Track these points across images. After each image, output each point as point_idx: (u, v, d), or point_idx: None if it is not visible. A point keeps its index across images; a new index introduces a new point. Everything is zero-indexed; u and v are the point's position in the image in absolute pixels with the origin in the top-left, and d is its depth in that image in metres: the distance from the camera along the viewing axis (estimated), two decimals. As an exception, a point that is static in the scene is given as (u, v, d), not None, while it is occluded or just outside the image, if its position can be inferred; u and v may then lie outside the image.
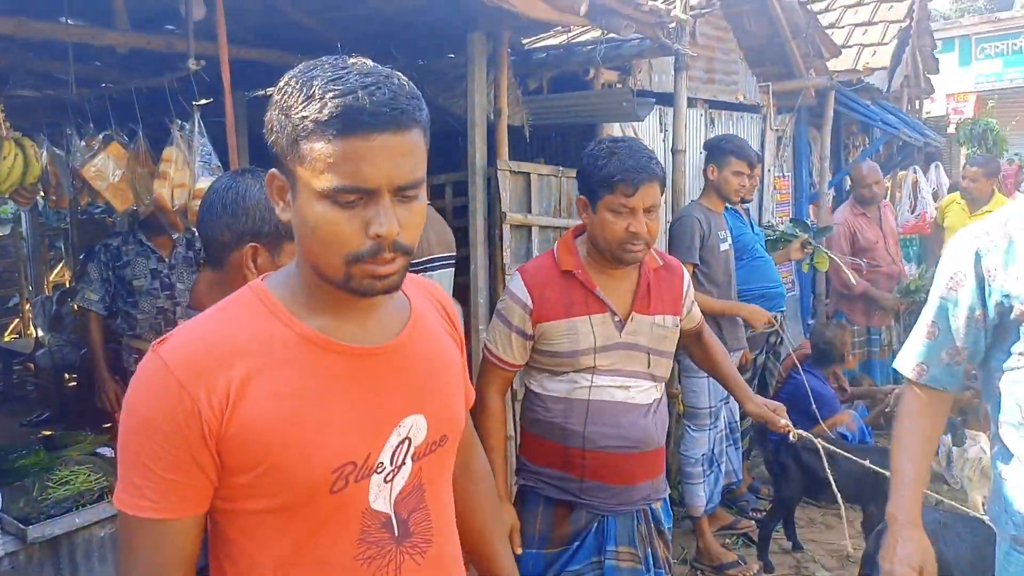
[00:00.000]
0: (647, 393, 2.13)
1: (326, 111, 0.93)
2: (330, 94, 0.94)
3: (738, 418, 4.09)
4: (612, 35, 4.13)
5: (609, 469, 2.09)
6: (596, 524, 2.14)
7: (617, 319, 2.09)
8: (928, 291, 4.54)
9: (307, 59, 3.34)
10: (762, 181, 5.88)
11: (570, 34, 4.75)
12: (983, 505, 3.57)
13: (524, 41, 4.39)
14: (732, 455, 3.94)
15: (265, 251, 1.53)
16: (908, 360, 1.78)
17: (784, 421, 2.23)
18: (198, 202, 2.86)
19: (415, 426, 1.11)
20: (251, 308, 1.05)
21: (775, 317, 3.88)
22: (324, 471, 1.01)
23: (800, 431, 2.28)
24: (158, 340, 1.03)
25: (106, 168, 3.15)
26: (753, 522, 4.06)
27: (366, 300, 1.05)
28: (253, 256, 1.52)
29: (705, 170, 3.70)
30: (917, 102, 8.77)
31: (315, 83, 0.95)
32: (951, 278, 1.67)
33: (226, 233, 1.54)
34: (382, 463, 1.07)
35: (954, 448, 3.52)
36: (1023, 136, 13.22)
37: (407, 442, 1.10)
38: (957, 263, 1.66)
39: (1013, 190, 7.02)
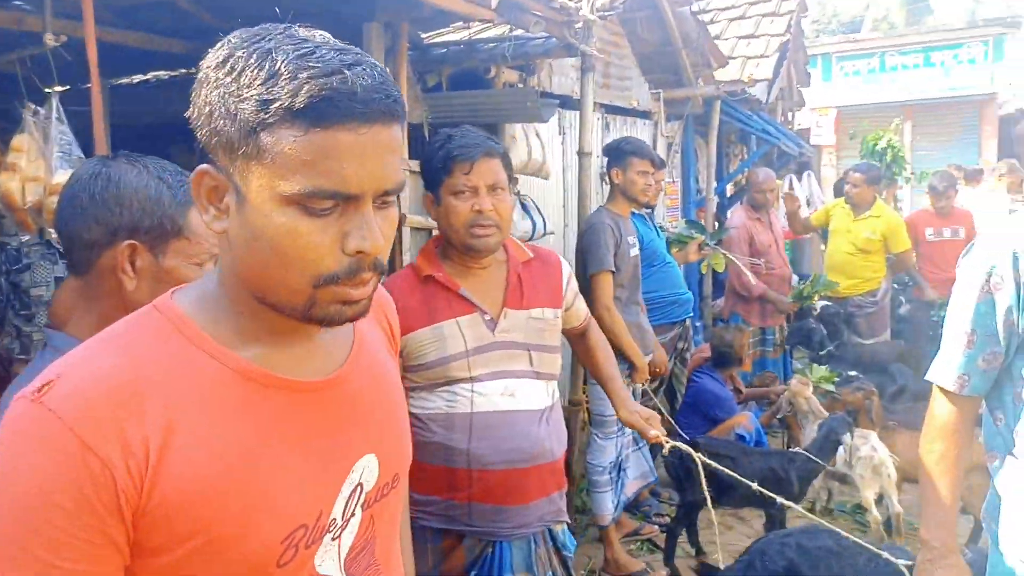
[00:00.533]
0: (536, 397, 1.97)
1: (303, 95, 0.73)
2: (305, 73, 0.74)
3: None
4: (517, 32, 4.02)
5: (499, 488, 1.91)
6: (490, 552, 1.97)
7: (488, 318, 1.96)
8: (814, 296, 4.56)
9: (182, 44, 2.96)
10: (654, 186, 5.96)
11: (471, 30, 4.60)
12: (876, 503, 3.70)
13: (423, 35, 4.19)
14: (644, 455, 3.90)
15: (146, 250, 1.24)
16: (947, 373, 1.65)
17: (654, 432, 2.05)
18: (55, 199, 2.51)
19: (367, 469, 0.92)
20: (162, 335, 0.82)
21: (682, 323, 3.88)
22: (272, 542, 0.80)
23: (674, 443, 2.11)
24: (36, 386, 0.76)
25: (-60, 157, 2.69)
26: (657, 527, 4.04)
27: (295, 325, 0.85)
28: (131, 257, 1.23)
29: (609, 174, 3.65)
30: (790, 113, 9.23)
31: (278, 57, 0.74)
32: (987, 281, 1.58)
33: (95, 229, 1.23)
34: (334, 519, 0.87)
35: (854, 451, 3.63)
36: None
37: (358, 489, 0.91)
38: (993, 265, 1.57)
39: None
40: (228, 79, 0.76)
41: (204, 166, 0.81)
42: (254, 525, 0.79)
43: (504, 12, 3.20)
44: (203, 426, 0.78)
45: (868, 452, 3.70)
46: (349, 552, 0.90)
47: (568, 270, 2.18)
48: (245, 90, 0.75)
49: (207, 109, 0.77)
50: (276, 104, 0.74)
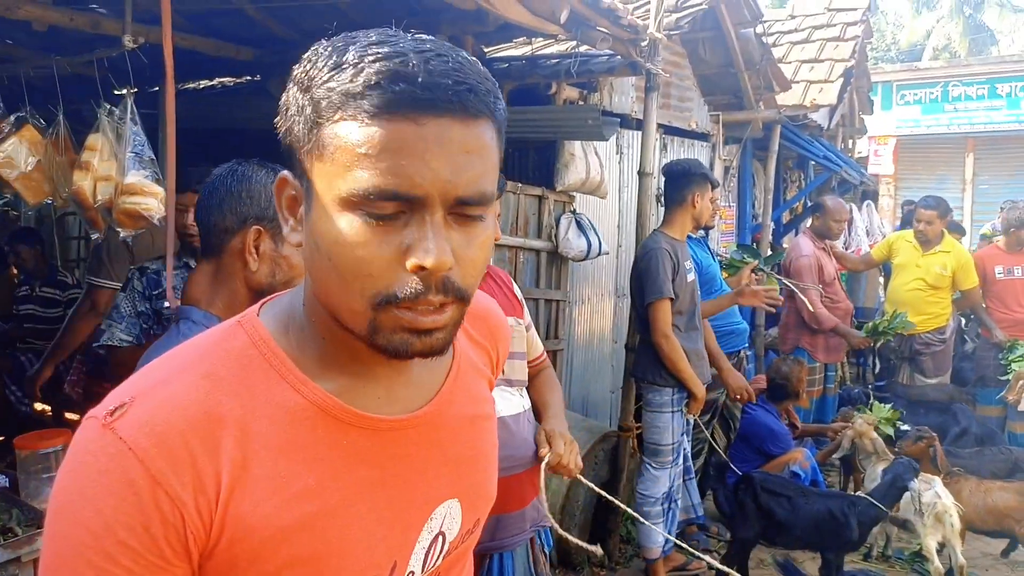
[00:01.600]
0: (511, 403, 2.04)
1: (361, 79, 0.65)
2: (370, 58, 0.65)
3: (691, 451, 3.95)
4: (581, 49, 3.98)
5: (501, 497, 1.87)
6: (487, 563, 2.02)
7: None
8: (891, 332, 4.39)
9: (249, 51, 2.98)
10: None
11: (532, 47, 4.58)
12: (938, 552, 3.52)
13: (486, 50, 4.18)
14: (691, 489, 3.78)
15: (268, 237, 1.46)
16: None
17: (558, 449, 1.98)
18: (127, 199, 2.53)
19: (449, 515, 0.84)
20: (244, 361, 0.74)
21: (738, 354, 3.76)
22: None
23: (584, 481, 2.12)
24: (109, 408, 0.69)
25: (17, 154, 2.73)
26: (705, 563, 3.90)
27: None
28: (256, 240, 1.45)
29: (689, 197, 3.50)
30: (851, 141, 9.02)
31: (351, 49, 0.67)
32: None
33: (228, 217, 1.47)
34: (412, 572, 0.80)
35: (921, 498, 3.46)
36: (938, 181, 13.88)
37: (440, 538, 0.83)
38: None
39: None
40: (301, 73, 0.70)
41: (284, 173, 0.74)
42: (326, 575, 0.73)
43: (572, 28, 3.16)
44: (277, 465, 0.71)
45: (931, 499, 3.52)
46: None
47: (515, 287, 2.26)
48: (312, 81, 0.68)
49: (284, 109, 0.72)
50: (336, 92, 0.66)
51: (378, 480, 0.76)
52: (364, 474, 0.75)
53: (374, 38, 0.68)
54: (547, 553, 2.20)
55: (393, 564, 0.77)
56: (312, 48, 0.71)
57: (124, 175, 2.38)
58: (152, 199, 2.33)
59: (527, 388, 2.30)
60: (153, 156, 2.47)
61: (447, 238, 0.68)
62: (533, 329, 2.31)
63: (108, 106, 2.60)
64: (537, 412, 2.24)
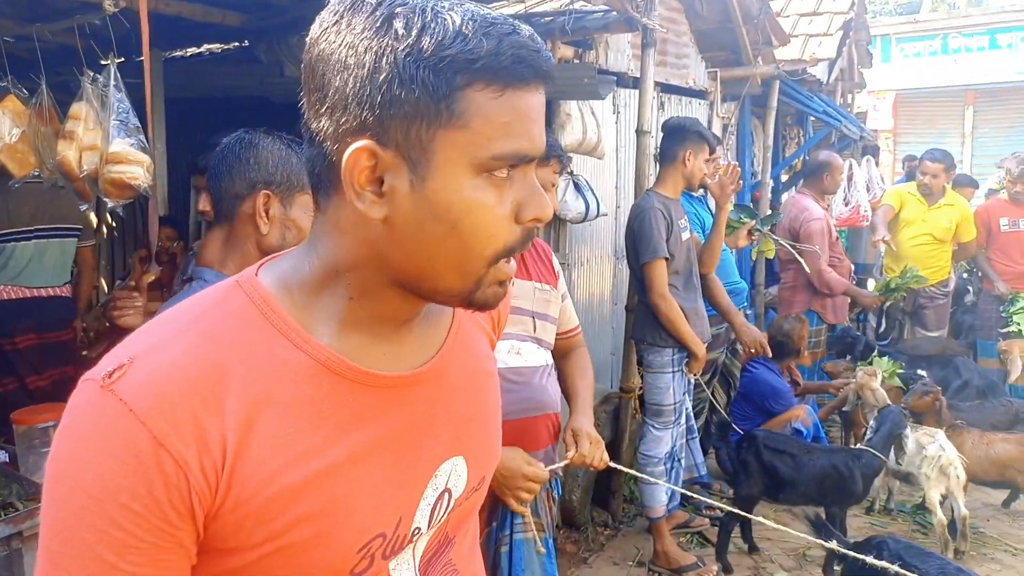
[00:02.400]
0: (537, 356, 2.15)
1: (504, 53, 0.68)
2: (494, 30, 0.69)
3: (692, 410, 3.95)
4: (576, 5, 3.89)
5: (513, 437, 2.00)
6: (501, 503, 2.13)
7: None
8: (903, 288, 4.35)
9: (237, 17, 2.93)
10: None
11: (527, 4, 4.48)
12: (940, 504, 3.54)
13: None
14: (693, 448, 3.78)
15: (277, 200, 1.54)
16: None
17: (583, 449, 2.08)
18: (112, 168, 2.48)
19: (454, 473, 0.84)
20: (245, 319, 0.74)
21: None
22: (347, 552, 0.74)
23: (612, 464, 2.19)
24: (107, 369, 0.68)
25: (1, 125, 2.67)
26: (707, 520, 3.93)
27: (412, 310, 0.80)
28: (265, 204, 1.53)
29: (681, 155, 3.45)
30: (850, 96, 8.91)
31: (452, 17, 0.68)
32: None
33: (238, 183, 1.54)
34: (417, 528, 0.80)
35: (918, 444, 3.48)
36: (938, 135, 13.75)
37: (446, 495, 0.83)
38: None
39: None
40: (402, 43, 0.67)
41: (363, 143, 0.70)
42: (329, 534, 0.73)
43: (566, -17, 3.08)
44: (283, 423, 0.71)
45: (936, 451, 3.53)
46: (423, 555, 0.84)
47: (556, 260, 2.34)
48: (434, 52, 0.67)
49: (378, 77, 0.68)
50: (478, 63, 0.68)
51: (384, 437, 0.77)
52: (370, 431, 0.76)
53: (453, 5, 0.70)
54: (555, 499, 2.33)
55: (399, 520, 0.78)
56: (376, 9, 0.69)
57: (109, 143, 2.32)
58: (138, 167, 2.28)
59: (559, 363, 2.38)
60: (138, 124, 2.41)
61: None
62: (569, 300, 2.38)
63: (92, 73, 2.54)
64: (567, 396, 2.31)
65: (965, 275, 5.91)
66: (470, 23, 0.68)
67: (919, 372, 4.26)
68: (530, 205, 0.74)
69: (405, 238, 0.72)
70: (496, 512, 2.15)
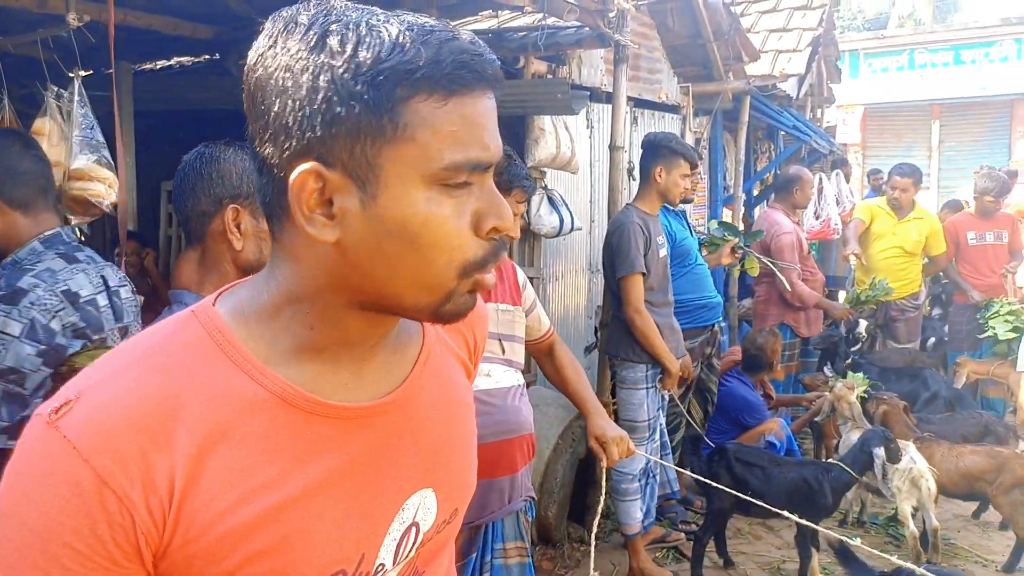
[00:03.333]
0: (508, 376, 2.16)
1: (444, 61, 0.66)
2: (432, 39, 0.66)
3: (668, 426, 3.95)
4: (548, 21, 3.91)
5: (489, 461, 2.05)
6: (481, 531, 2.14)
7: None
8: (872, 301, 4.37)
9: (207, 29, 2.90)
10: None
11: (499, 19, 4.49)
12: (911, 516, 3.57)
13: (452, 24, 4.08)
14: (666, 464, 3.79)
15: (247, 213, 1.47)
16: None
17: (613, 457, 2.15)
18: (76, 184, 2.43)
19: (422, 506, 0.81)
20: (200, 352, 0.71)
21: (713, 327, 3.77)
22: None
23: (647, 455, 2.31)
24: (53, 405, 0.66)
25: (-40, 141, 2.60)
26: (683, 535, 3.93)
27: (377, 333, 0.77)
28: (235, 219, 1.46)
29: (652, 171, 3.48)
30: (819, 110, 9.04)
31: (388, 28, 0.66)
32: None
33: (203, 201, 1.48)
34: (381, 564, 0.77)
35: (887, 464, 3.49)
36: (904, 150, 14.01)
37: (414, 529, 0.80)
38: None
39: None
40: (338, 60, 0.65)
41: (309, 165, 0.67)
42: (285, 571, 0.70)
43: (537, 0, 3.10)
44: (236, 457, 0.69)
45: (906, 464, 3.56)
46: None
47: (522, 275, 2.34)
48: (371, 65, 0.65)
49: (316, 98, 0.66)
50: (418, 73, 0.65)
51: (345, 470, 0.74)
52: (329, 463, 0.73)
53: (386, 16, 0.68)
54: (531, 521, 2.35)
55: (361, 556, 0.75)
56: (300, 34, 0.67)
57: (72, 159, 2.27)
58: (99, 184, 2.24)
59: (546, 368, 2.43)
60: (103, 139, 2.36)
61: None
62: (538, 307, 2.40)
63: (55, 88, 2.49)
64: (572, 400, 2.36)
65: (938, 290, 6.00)
66: (407, 33, 0.66)
67: (879, 386, 4.31)
68: (490, 215, 0.71)
69: (361, 259, 0.70)
70: (474, 542, 2.14)
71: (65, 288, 1.72)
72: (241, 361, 0.71)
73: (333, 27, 0.66)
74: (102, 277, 1.84)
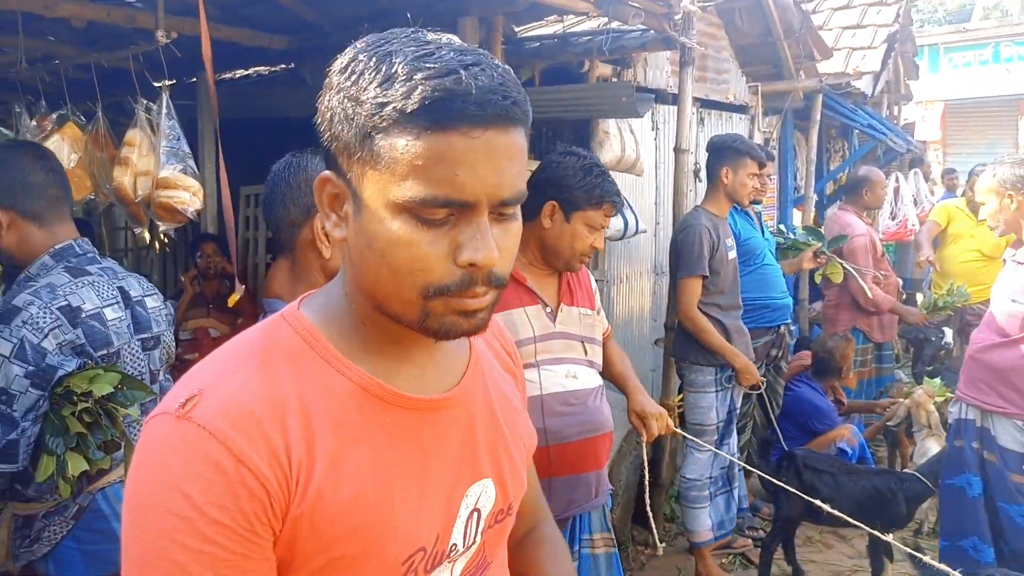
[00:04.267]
0: (592, 378, 2.21)
1: (416, 96, 0.70)
2: (420, 74, 0.70)
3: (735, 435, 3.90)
4: (613, 25, 3.91)
5: (576, 458, 2.13)
6: (572, 522, 2.19)
7: (548, 310, 2.18)
8: (949, 307, 4.19)
9: (283, 40, 3.00)
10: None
11: (564, 24, 4.52)
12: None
13: (516, 29, 4.13)
14: (741, 476, 3.74)
15: None
16: None
17: (652, 431, 2.28)
18: (161, 192, 2.56)
19: (484, 494, 0.89)
20: (294, 351, 0.80)
21: (779, 330, 3.72)
22: (393, 564, 0.78)
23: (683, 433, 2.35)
24: (179, 402, 0.74)
25: (60, 151, 2.78)
26: (750, 541, 3.88)
27: (412, 336, 0.82)
28: (323, 227, 1.41)
29: (719, 172, 3.45)
30: (896, 108, 8.75)
31: (396, 60, 0.72)
32: None
33: (292, 210, 1.51)
34: (454, 544, 0.85)
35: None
36: (987, 147, 13.40)
37: (476, 514, 0.88)
38: None
39: None
40: (348, 83, 0.74)
41: (325, 172, 0.79)
42: (378, 546, 0.77)
43: (602, 5, 3.11)
44: (333, 444, 0.76)
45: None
46: (462, 574, 0.88)
47: (591, 279, 2.41)
48: (362, 93, 0.73)
49: (328, 114, 0.76)
50: (389, 107, 0.71)
51: (419, 457, 0.82)
52: (408, 451, 0.81)
53: (414, 48, 0.73)
54: (611, 513, 2.45)
55: (437, 536, 0.82)
56: (350, 54, 0.76)
57: (159, 169, 2.41)
58: (184, 192, 2.36)
59: None
60: (188, 149, 2.50)
61: (492, 236, 0.75)
62: (603, 313, 2.47)
63: (145, 101, 2.64)
64: (614, 382, 2.46)
65: None
66: (405, 66, 0.71)
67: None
68: (466, 248, 0.74)
69: (357, 262, 0.79)
70: (564, 528, 2.19)
71: (64, 304, 1.68)
72: (329, 357, 0.80)
73: (362, 56, 0.74)
74: (119, 289, 1.81)
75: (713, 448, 3.22)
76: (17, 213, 1.74)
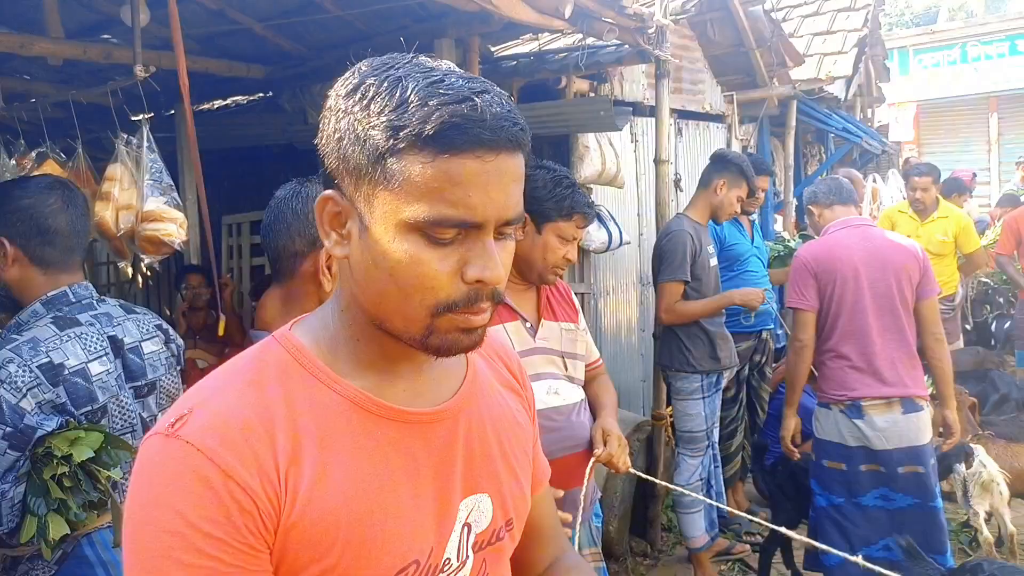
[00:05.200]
0: (573, 393, 2.19)
1: (433, 120, 0.72)
2: (435, 100, 0.73)
3: (717, 437, 3.91)
4: (588, 41, 3.97)
5: (561, 476, 2.03)
6: None
7: (528, 325, 2.16)
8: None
9: (260, 69, 2.99)
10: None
11: (540, 42, 4.57)
12: (986, 521, 3.46)
13: (493, 48, 4.18)
14: (717, 476, 3.75)
15: None
16: None
17: (612, 449, 2.14)
18: (147, 226, 2.57)
19: (477, 509, 0.89)
20: (283, 368, 0.82)
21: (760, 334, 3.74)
22: (387, 574, 0.79)
23: (635, 472, 2.28)
24: (169, 422, 0.76)
25: (40, 189, 2.78)
26: (748, 546, 3.88)
27: (409, 353, 0.83)
28: (328, 261, 1.44)
29: (715, 183, 3.49)
30: (869, 111, 8.89)
31: (408, 84, 0.74)
32: None
33: (298, 241, 1.47)
34: (448, 559, 0.85)
35: (968, 479, 3.41)
36: (961, 145, 13.62)
37: (467, 529, 0.88)
38: None
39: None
40: (358, 107, 0.76)
41: (329, 192, 0.81)
42: (371, 557, 0.78)
43: (577, 22, 3.15)
44: (322, 456, 0.78)
45: (976, 468, 3.47)
46: None
47: (573, 294, 2.37)
48: (375, 117, 0.75)
49: (336, 136, 0.78)
50: (406, 130, 0.73)
51: (411, 469, 0.83)
52: (399, 462, 0.82)
53: (422, 74, 0.75)
54: (598, 529, 2.40)
55: (431, 549, 0.83)
56: (355, 79, 0.78)
57: (143, 203, 2.41)
58: (171, 224, 2.36)
59: (584, 390, 2.43)
60: (171, 182, 2.50)
61: (498, 254, 0.78)
62: (587, 334, 2.43)
63: (125, 136, 2.64)
64: (593, 411, 2.37)
65: (991, 284, 5.81)
66: (419, 92, 0.73)
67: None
68: (474, 266, 0.76)
69: (360, 279, 0.80)
70: None
71: (45, 361, 1.60)
72: (318, 373, 0.82)
73: (370, 80, 0.76)
74: (111, 338, 1.73)
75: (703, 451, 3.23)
76: (25, 254, 1.69)
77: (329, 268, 1.45)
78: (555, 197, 2.11)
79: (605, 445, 2.14)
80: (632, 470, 2.23)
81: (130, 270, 4.17)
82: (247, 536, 0.72)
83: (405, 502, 0.81)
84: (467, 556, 0.88)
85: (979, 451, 3.54)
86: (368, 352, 0.83)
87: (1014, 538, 3.52)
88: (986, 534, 3.46)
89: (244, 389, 0.78)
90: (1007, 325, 6.09)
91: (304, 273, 1.48)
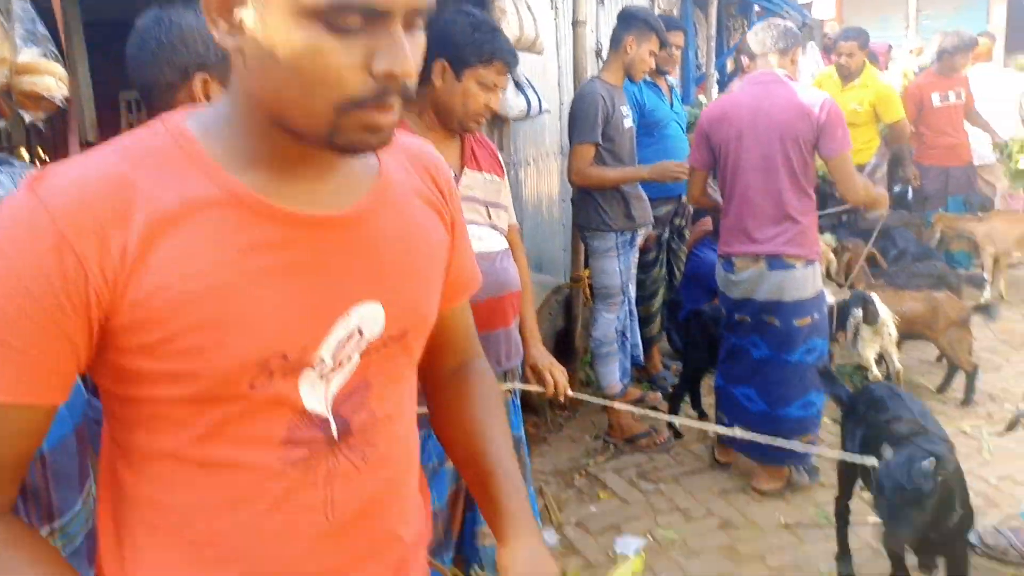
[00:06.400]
0: (495, 240, 2.20)
1: None
2: None
3: (634, 293, 4.06)
4: None
5: (484, 317, 2.06)
6: None
7: (451, 174, 2.08)
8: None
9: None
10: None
11: None
12: (876, 362, 3.76)
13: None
14: (633, 329, 3.93)
15: (216, 82, 1.36)
16: None
17: (549, 384, 2.25)
18: (24, 78, 2.40)
19: (368, 316, 0.88)
20: (162, 152, 0.79)
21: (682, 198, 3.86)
22: (243, 361, 0.79)
23: (577, 394, 2.37)
24: (34, 175, 0.75)
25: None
26: (660, 395, 4.13)
27: (328, 155, 0.82)
28: (204, 90, 1.36)
29: (624, 41, 3.47)
30: (791, -18, 8.84)
31: None
32: None
33: (168, 72, 1.37)
34: (321, 358, 0.85)
35: (863, 324, 3.67)
36: (882, 21, 13.74)
37: (357, 335, 0.88)
38: None
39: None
40: None
41: None
42: (227, 341, 0.78)
43: None
44: (185, 243, 0.77)
45: (871, 313, 3.72)
46: (339, 394, 0.88)
47: (499, 152, 2.35)
48: None
49: None
50: None
51: (286, 268, 0.81)
52: (270, 260, 0.80)
53: None
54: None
55: (303, 346, 0.83)
56: None
57: (17, 53, 2.25)
58: (50, 77, 2.22)
59: None
60: (46, 32, 2.34)
61: (407, 46, 0.74)
62: (509, 193, 2.42)
63: (-5, -19, 2.45)
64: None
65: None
66: None
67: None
68: (383, 57, 0.73)
69: (256, 74, 0.76)
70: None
71: None
72: (201, 164, 0.79)
73: None
74: None
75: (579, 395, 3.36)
76: None
77: (207, 97, 1.36)
78: (475, 42, 2.06)
79: (543, 383, 2.24)
80: (571, 393, 2.32)
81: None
82: (62, 301, 0.73)
83: (273, 297, 0.80)
84: (350, 359, 0.87)
85: (874, 297, 3.80)
86: (262, 150, 0.81)
87: (900, 375, 3.84)
88: (875, 373, 3.76)
89: (113, 159, 0.77)
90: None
91: (181, 106, 1.43)
